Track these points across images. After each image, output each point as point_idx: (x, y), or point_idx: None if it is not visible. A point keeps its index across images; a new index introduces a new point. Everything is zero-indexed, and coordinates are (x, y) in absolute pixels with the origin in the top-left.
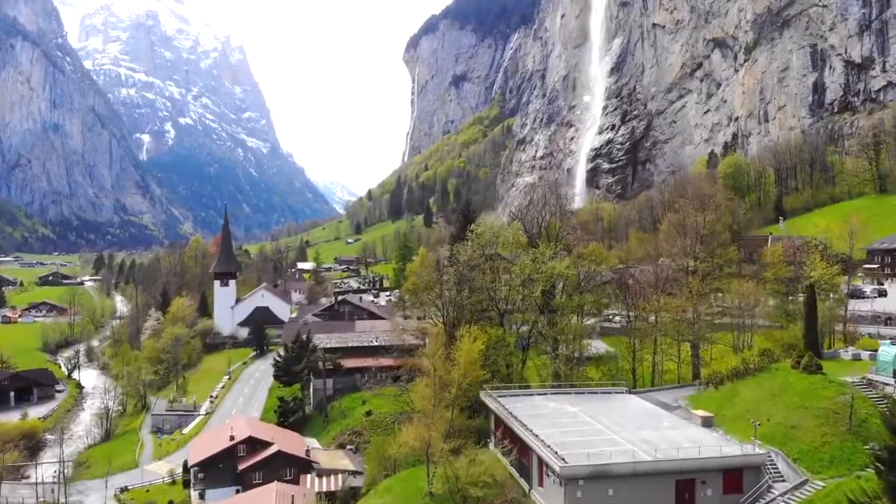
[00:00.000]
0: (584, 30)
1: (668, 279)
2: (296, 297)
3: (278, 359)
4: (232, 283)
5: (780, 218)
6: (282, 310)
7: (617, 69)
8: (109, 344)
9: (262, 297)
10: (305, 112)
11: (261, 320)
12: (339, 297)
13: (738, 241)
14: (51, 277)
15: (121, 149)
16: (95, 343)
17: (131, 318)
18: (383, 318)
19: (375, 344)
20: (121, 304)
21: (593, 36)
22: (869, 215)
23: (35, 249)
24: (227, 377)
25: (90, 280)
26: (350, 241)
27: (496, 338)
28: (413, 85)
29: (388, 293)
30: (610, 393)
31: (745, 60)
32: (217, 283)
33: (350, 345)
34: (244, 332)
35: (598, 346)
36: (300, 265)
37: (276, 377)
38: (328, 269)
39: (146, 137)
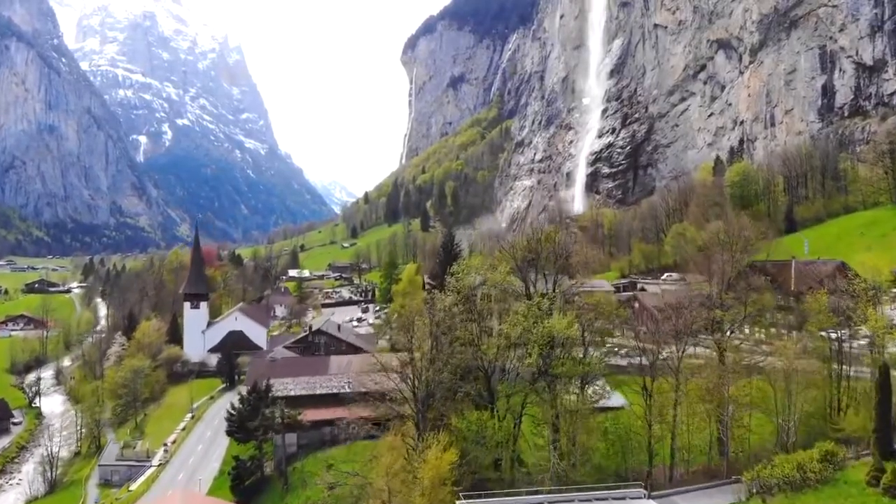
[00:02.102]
0: (583, 31)
1: (691, 330)
2: (280, 311)
3: (232, 411)
4: (203, 305)
5: (805, 241)
6: (258, 334)
7: (617, 71)
8: (79, 366)
9: (236, 321)
10: (304, 113)
11: (234, 346)
12: (314, 328)
13: (760, 268)
14: (37, 285)
15: (117, 150)
16: (67, 362)
17: (101, 339)
18: (364, 351)
19: (348, 390)
20: (104, 316)
21: (593, 37)
22: (887, 228)
23: (29, 253)
24: (191, 416)
25: (78, 287)
26: (345, 245)
27: (479, 425)
28: (411, 86)
29: (377, 308)
30: (624, 499)
31: (751, 62)
32: (187, 304)
33: (318, 392)
34: (215, 360)
35: (605, 393)
36: (291, 272)
37: (229, 434)
38: (321, 277)
39: (143, 139)
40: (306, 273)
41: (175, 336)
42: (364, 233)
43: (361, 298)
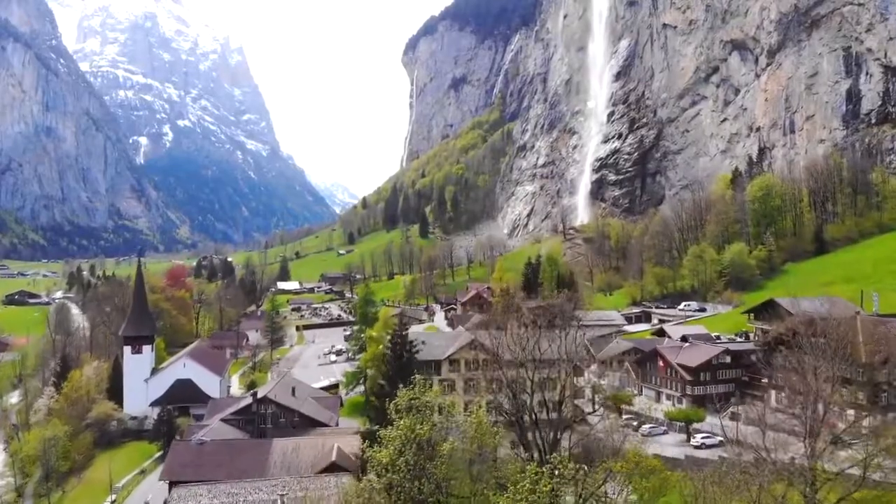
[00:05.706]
0: (587, 31)
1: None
2: (254, 338)
3: None
4: (147, 349)
5: (874, 295)
6: (209, 382)
7: (624, 73)
8: (20, 408)
9: (185, 367)
10: (306, 114)
11: (181, 397)
12: (259, 395)
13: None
14: (17, 296)
15: (116, 152)
16: (15, 399)
17: (45, 377)
18: (321, 424)
19: None
20: (79, 332)
21: (598, 38)
22: None
23: (24, 256)
24: (112, 500)
25: (62, 297)
26: (342, 252)
27: None
28: (412, 88)
29: (355, 336)
30: None
31: (768, 64)
32: (127, 349)
33: None
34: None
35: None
36: (281, 284)
37: None
38: (311, 290)
39: (144, 140)
40: (296, 285)
41: (117, 383)
42: (362, 239)
43: (349, 318)
